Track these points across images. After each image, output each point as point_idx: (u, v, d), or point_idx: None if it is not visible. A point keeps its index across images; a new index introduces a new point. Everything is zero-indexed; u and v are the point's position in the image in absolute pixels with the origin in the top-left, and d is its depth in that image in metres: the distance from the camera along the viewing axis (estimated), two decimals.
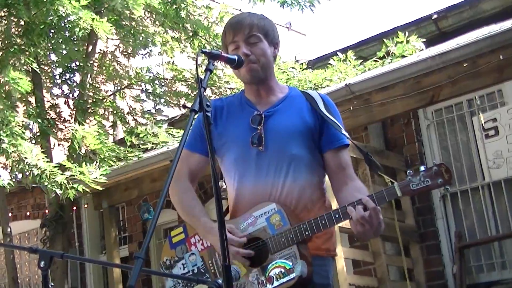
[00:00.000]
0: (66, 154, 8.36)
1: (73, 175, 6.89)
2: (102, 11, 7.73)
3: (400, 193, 2.46)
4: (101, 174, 7.00)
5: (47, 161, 7.02)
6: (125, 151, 7.75)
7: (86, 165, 7.07)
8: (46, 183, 6.77)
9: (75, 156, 7.75)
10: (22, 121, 8.01)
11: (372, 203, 2.43)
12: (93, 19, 6.98)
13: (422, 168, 2.46)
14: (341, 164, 2.71)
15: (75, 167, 6.99)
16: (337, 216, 2.50)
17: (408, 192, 2.47)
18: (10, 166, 7.15)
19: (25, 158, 6.81)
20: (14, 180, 7.51)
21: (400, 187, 2.46)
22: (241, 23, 2.69)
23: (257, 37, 2.69)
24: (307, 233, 2.52)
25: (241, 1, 8.33)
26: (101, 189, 7.27)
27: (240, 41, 2.67)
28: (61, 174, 6.88)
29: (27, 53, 7.32)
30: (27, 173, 6.95)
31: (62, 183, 6.80)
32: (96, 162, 7.54)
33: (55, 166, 6.96)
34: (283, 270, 2.51)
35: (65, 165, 7.02)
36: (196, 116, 2.29)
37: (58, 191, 6.86)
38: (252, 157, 2.67)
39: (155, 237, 9.63)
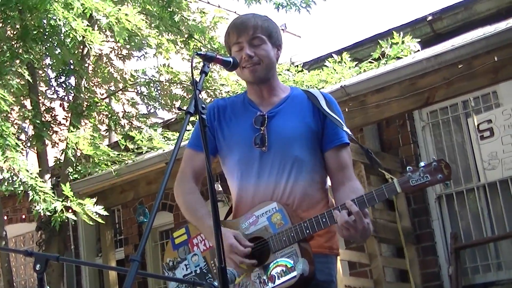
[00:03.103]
0: (56, 158, 8.37)
1: (70, 205, 6.92)
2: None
3: (400, 189, 2.45)
4: (98, 210, 7.06)
5: (42, 181, 7.02)
6: (119, 154, 7.75)
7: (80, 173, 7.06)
8: (38, 208, 6.77)
9: (69, 160, 7.77)
10: (16, 123, 8.00)
11: (355, 208, 2.43)
12: (85, 29, 6.98)
13: (422, 164, 2.45)
14: (340, 163, 2.71)
15: (73, 196, 7.01)
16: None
17: (408, 188, 2.45)
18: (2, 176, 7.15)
19: (19, 172, 6.80)
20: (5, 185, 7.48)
21: (400, 183, 2.45)
22: (246, 24, 2.70)
23: (261, 39, 2.70)
24: (308, 231, 2.52)
25: (237, 2, 8.33)
26: (92, 224, 7.30)
27: (244, 42, 2.68)
28: (55, 199, 6.88)
29: (20, 59, 7.30)
30: (19, 189, 6.94)
31: (56, 209, 6.82)
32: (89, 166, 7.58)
33: (51, 188, 6.98)
34: (284, 269, 2.51)
35: (63, 190, 7.03)
36: (191, 118, 2.29)
37: (48, 213, 6.86)
38: (255, 158, 2.68)
39: (151, 240, 9.62)
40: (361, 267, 7.02)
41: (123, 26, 6.94)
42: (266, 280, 2.54)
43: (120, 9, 7.02)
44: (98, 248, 10.22)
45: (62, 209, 6.85)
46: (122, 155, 7.76)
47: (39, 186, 6.85)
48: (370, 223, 2.47)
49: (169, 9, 8.01)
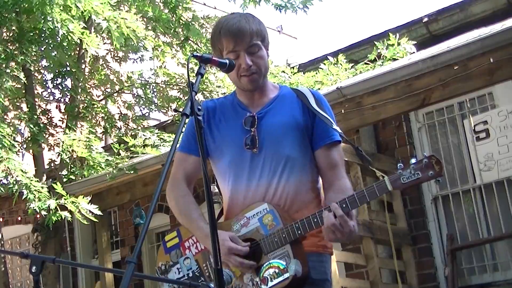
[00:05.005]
0: (50, 160, 8.35)
1: (64, 203, 6.89)
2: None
3: (391, 187, 2.44)
4: (92, 209, 7.05)
5: (37, 180, 7.00)
6: (113, 160, 7.72)
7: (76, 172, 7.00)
8: (32, 205, 6.76)
9: (64, 162, 7.74)
10: (12, 125, 7.97)
11: (339, 211, 2.40)
12: (82, 32, 6.97)
13: (412, 160, 2.43)
14: (330, 162, 2.69)
15: (67, 193, 7.00)
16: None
17: (399, 185, 2.44)
18: None
19: (14, 171, 6.79)
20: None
21: (391, 181, 2.44)
22: (243, 32, 2.62)
23: (258, 46, 2.65)
24: (299, 231, 2.50)
25: (234, 4, 8.34)
26: (87, 223, 7.28)
27: (241, 51, 2.62)
28: (50, 198, 6.86)
29: (16, 61, 7.28)
30: (14, 188, 6.92)
31: (49, 207, 6.80)
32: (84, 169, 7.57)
33: (42, 186, 6.96)
34: (277, 270, 2.49)
35: (56, 189, 7.02)
36: (187, 120, 2.28)
37: (44, 212, 6.84)
38: (246, 159, 2.66)
39: (147, 241, 9.62)
40: (358, 269, 7.02)
41: (121, 31, 6.93)
42: (258, 283, 2.52)
43: (120, 13, 7.00)
44: (94, 250, 10.22)
45: (56, 207, 6.83)
46: (116, 158, 7.74)
47: (34, 185, 6.84)
48: (356, 224, 2.44)
49: (175, 15, 8.01)
